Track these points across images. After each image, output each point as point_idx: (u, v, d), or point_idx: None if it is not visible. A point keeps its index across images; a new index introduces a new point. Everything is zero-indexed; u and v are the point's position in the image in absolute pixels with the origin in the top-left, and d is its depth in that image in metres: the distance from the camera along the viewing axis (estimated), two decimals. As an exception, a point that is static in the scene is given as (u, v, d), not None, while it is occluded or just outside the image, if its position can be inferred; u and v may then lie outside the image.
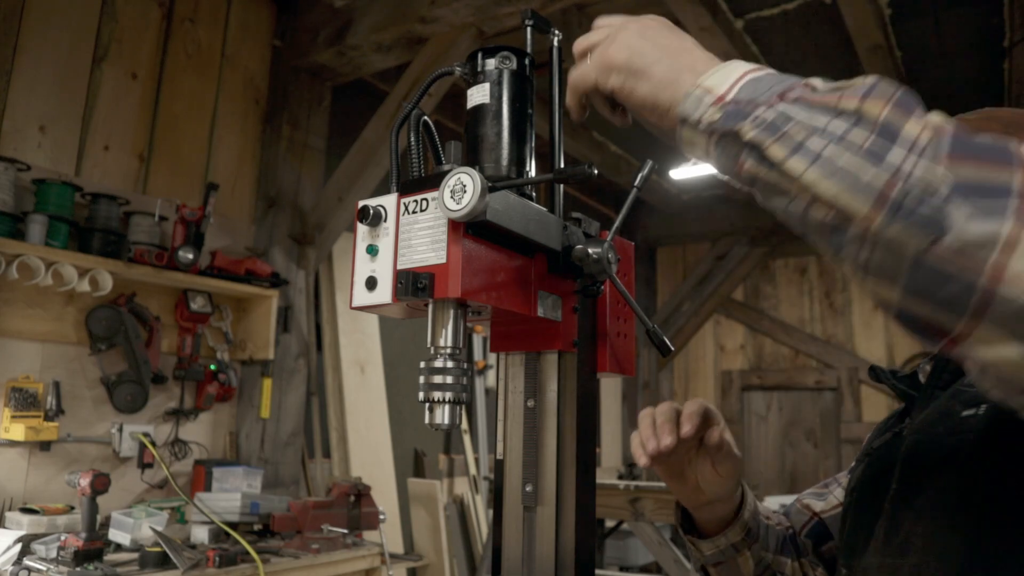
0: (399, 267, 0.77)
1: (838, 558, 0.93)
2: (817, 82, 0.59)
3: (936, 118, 0.52)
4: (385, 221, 0.79)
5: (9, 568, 2.13)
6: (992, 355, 0.49)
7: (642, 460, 0.89)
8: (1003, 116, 0.92)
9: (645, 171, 0.88)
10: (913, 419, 0.86)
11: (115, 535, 2.40)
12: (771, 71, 0.62)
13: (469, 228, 0.75)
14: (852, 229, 0.51)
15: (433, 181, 0.76)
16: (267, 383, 3.28)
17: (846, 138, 0.52)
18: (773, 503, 4.89)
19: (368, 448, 3.85)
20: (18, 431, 2.42)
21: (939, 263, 0.48)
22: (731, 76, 0.61)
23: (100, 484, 2.23)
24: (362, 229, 0.80)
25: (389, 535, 3.14)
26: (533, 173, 0.88)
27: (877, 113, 0.52)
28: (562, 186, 0.92)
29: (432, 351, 0.78)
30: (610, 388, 6.56)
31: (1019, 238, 0.46)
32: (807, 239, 0.58)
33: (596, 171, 0.78)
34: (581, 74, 0.77)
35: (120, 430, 2.77)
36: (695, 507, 0.97)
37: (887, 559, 0.76)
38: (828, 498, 1.08)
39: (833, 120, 0.53)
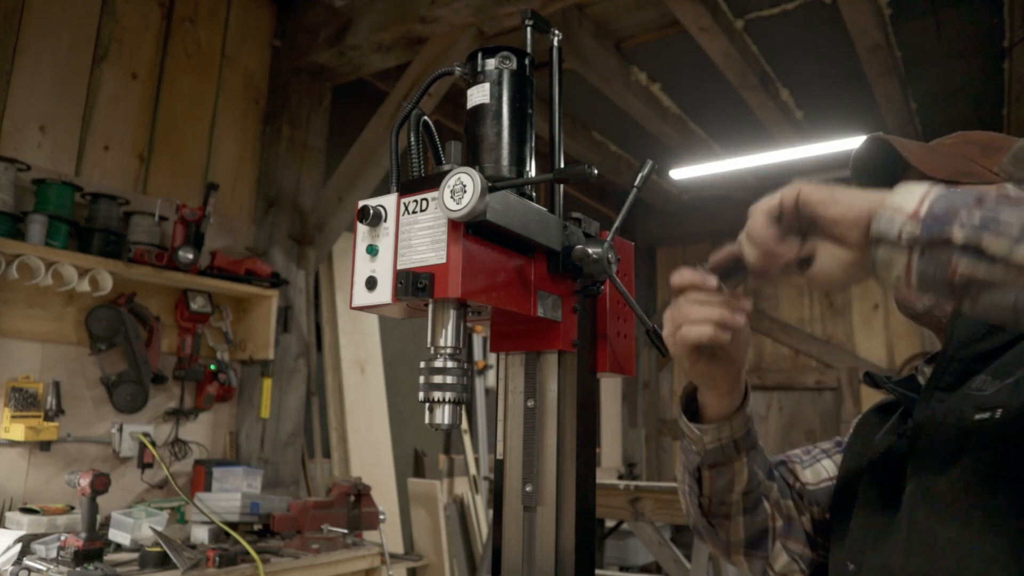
0: (399, 267, 0.77)
1: (834, 549, 0.94)
2: (1009, 187, 0.66)
3: None
4: (385, 221, 0.79)
5: (9, 568, 2.13)
6: None
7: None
8: (979, 139, 0.93)
9: (645, 171, 0.88)
10: (917, 420, 0.86)
11: (115, 535, 2.40)
12: (948, 187, 0.64)
13: (469, 228, 0.75)
14: None
15: (433, 181, 0.76)
16: (267, 383, 3.28)
17: None
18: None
19: (368, 448, 3.84)
20: (18, 431, 2.42)
21: None
22: (916, 194, 0.63)
23: (100, 484, 2.23)
24: (362, 229, 0.80)
25: (389, 535, 3.14)
26: (533, 173, 0.88)
27: None
28: (562, 186, 0.92)
29: (432, 351, 0.78)
30: (610, 388, 6.56)
31: None
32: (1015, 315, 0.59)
33: (596, 171, 0.78)
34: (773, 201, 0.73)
35: (120, 430, 2.77)
36: (711, 384, 0.91)
37: (913, 559, 0.77)
38: (817, 470, 1.08)
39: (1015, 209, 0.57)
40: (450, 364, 0.77)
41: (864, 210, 0.65)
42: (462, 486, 4.45)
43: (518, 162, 0.86)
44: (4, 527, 2.33)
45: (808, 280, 0.73)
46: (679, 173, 5.64)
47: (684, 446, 0.99)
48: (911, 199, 0.62)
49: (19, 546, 2.21)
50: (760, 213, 0.72)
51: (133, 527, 2.37)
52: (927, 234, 0.60)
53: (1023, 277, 0.56)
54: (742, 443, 0.96)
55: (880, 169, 0.99)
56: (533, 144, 0.89)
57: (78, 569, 2.08)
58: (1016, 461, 0.72)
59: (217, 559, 2.29)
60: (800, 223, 0.71)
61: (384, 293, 0.77)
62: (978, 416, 0.77)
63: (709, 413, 0.95)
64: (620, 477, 5.81)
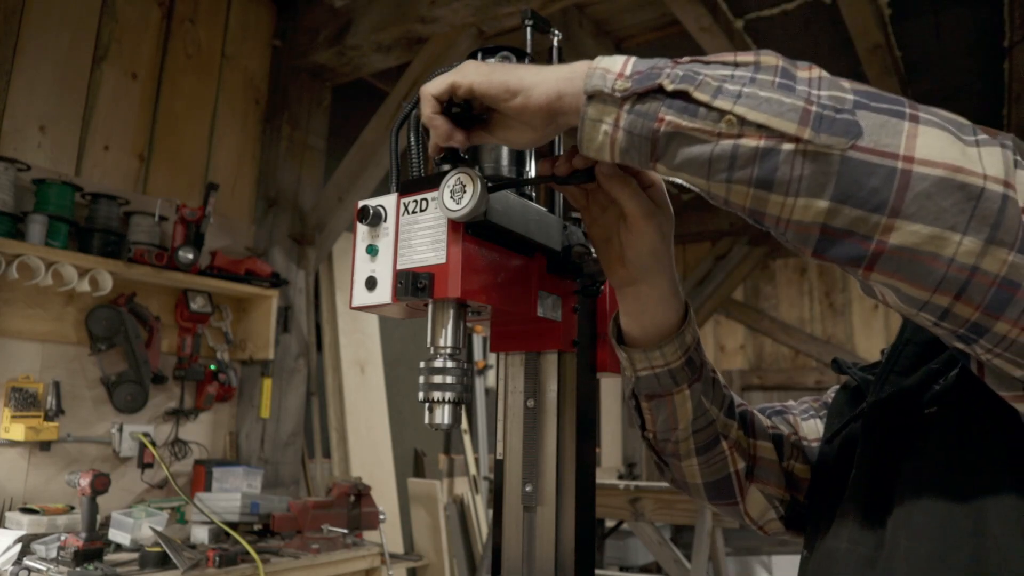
0: (399, 267, 0.77)
1: (807, 530, 0.92)
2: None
3: (816, 68, 0.60)
4: (385, 221, 0.79)
5: (9, 568, 2.13)
6: (906, 240, 0.55)
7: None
8: None
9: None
10: (869, 403, 0.85)
11: (115, 535, 2.40)
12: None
13: (469, 228, 0.75)
14: (785, 147, 0.56)
15: (433, 181, 0.76)
16: (267, 383, 3.28)
17: (756, 79, 0.59)
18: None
19: (368, 448, 3.85)
20: (18, 431, 2.42)
21: (862, 156, 0.55)
22: (618, 59, 0.64)
23: (100, 484, 2.23)
24: (362, 229, 0.80)
25: (389, 535, 3.14)
26: (533, 173, 0.88)
27: (774, 63, 0.60)
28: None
29: (432, 351, 0.78)
30: (610, 388, 6.56)
31: (918, 131, 0.55)
32: (727, 187, 0.60)
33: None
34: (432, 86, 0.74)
35: (120, 430, 2.77)
36: (624, 284, 0.82)
37: (855, 546, 0.76)
38: (811, 426, 1.02)
39: (737, 70, 0.60)
40: (450, 364, 0.77)
41: (544, 98, 0.67)
42: (462, 486, 4.46)
43: (518, 162, 0.86)
44: (4, 527, 2.33)
45: (502, 143, 0.75)
46: (679, 173, 5.63)
47: (621, 369, 0.90)
48: (615, 62, 0.64)
49: (19, 546, 2.21)
50: (429, 100, 0.73)
51: (133, 527, 2.37)
52: (638, 86, 0.61)
53: (722, 123, 0.58)
54: (680, 374, 0.84)
55: None
56: (533, 144, 0.89)
57: (78, 569, 2.08)
58: (958, 449, 0.72)
59: (217, 559, 2.30)
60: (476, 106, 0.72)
61: (384, 293, 0.77)
62: (927, 411, 0.77)
63: (632, 335, 0.85)
64: (620, 477, 5.82)
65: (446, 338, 0.77)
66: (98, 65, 2.89)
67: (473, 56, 0.89)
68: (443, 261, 0.74)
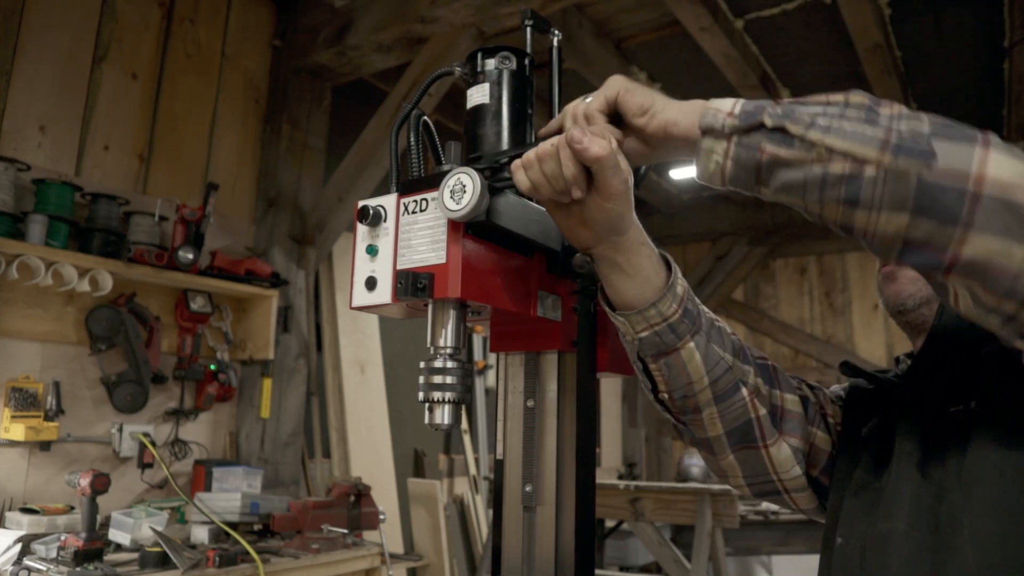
0: (399, 267, 0.77)
1: (827, 522, 0.93)
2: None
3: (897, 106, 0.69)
4: (385, 221, 0.79)
5: (9, 568, 2.13)
6: (977, 251, 0.62)
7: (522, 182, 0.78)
8: None
9: (644, 171, 0.88)
10: (900, 406, 0.89)
11: (115, 535, 2.40)
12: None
13: (469, 228, 0.75)
14: (867, 171, 0.65)
15: (433, 181, 0.76)
16: (267, 383, 3.28)
17: (844, 115, 0.68)
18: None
19: (368, 448, 3.85)
20: (18, 431, 2.41)
21: (937, 179, 0.63)
22: (727, 101, 0.75)
23: (100, 484, 2.23)
24: (362, 229, 0.80)
25: (389, 535, 3.14)
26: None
27: (860, 100, 0.70)
28: (562, 186, 0.91)
29: (432, 351, 0.78)
30: (610, 388, 6.56)
31: (988, 156, 0.63)
32: (821, 205, 0.70)
33: (596, 171, 0.77)
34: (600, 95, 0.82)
35: (120, 430, 2.77)
36: (592, 244, 0.81)
37: (913, 530, 0.79)
38: (835, 411, 1.03)
39: (828, 107, 0.70)
40: (450, 364, 0.77)
41: (664, 122, 0.77)
42: (462, 486, 4.45)
43: (518, 162, 0.86)
44: (4, 527, 2.33)
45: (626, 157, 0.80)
46: (679, 173, 5.64)
47: (620, 336, 0.89)
48: (725, 103, 0.74)
49: (19, 546, 2.21)
50: (596, 115, 0.80)
51: (133, 527, 2.37)
52: (743, 123, 0.72)
53: (814, 152, 0.67)
54: (680, 326, 0.85)
55: None
56: (534, 144, 0.89)
57: (78, 569, 2.08)
58: (993, 451, 0.76)
59: (217, 559, 2.29)
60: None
61: (384, 293, 0.77)
62: (953, 408, 0.82)
63: (626, 298, 0.84)
64: (620, 477, 5.81)
65: (446, 338, 0.77)
66: (98, 65, 2.89)
67: (473, 56, 0.89)
68: (443, 261, 0.74)
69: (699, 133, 0.74)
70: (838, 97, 0.71)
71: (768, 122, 0.70)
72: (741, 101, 0.74)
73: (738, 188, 0.75)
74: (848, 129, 0.67)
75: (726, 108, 0.73)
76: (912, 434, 0.85)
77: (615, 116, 0.80)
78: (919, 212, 0.64)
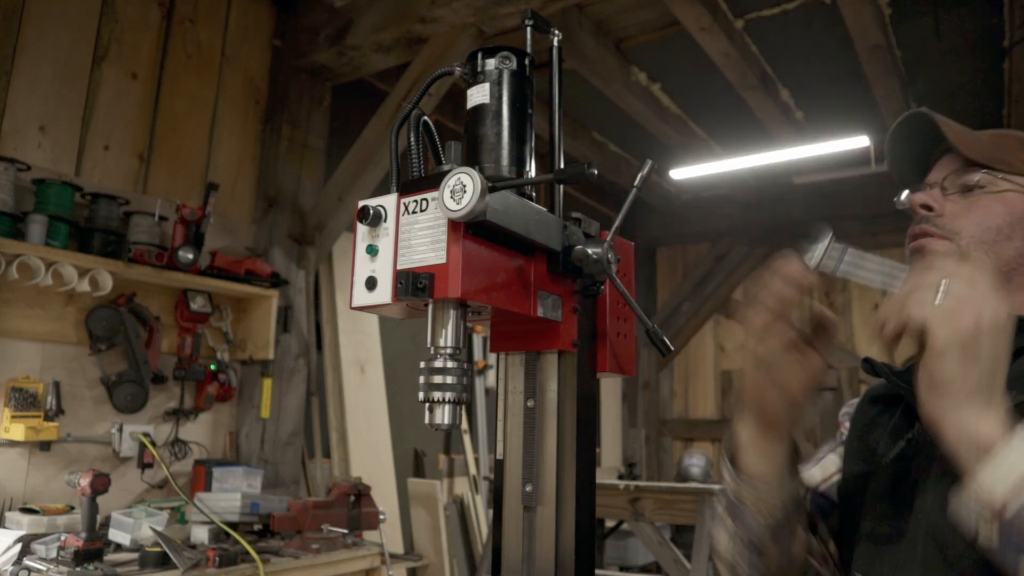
0: (399, 267, 0.77)
1: (842, 553, 0.90)
2: None
3: None
4: (385, 221, 0.79)
5: (9, 568, 2.13)
6: None
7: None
8: (1018, 135, 0.93)
9: (645, 171, 0.88)
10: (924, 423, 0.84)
11: (115, 535, 2.40)
12: None
13: (469, 228, 0.75)
14: None
15: (433, 181, 0.76)
16: (267, 383, 3.28)
17: None
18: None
19: (368, 448, 3.84)
20: (18, 431, 2.42)
21: None
22: (1007, 482, 0.60)
23: (100, 484, 2.23)
24: (362, 229, 0.80)
25: (389, 535, 3.14)
26: (533, 173, 0.88)
27: None
28: (562, 186, 0.92)
29: (432, 351, 0.78)
30: (610, 388, 6.56)
31: None
32: None
33: (596, 171, 0.78)
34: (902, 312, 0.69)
35: (120, 430, 2.77)
36: (766, 409, 0.80)
37: (926, 570, 0.75)
38: (825, 466, 1.01)
39: None
40: (450, 364, 0.77)
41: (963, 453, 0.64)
42: (462, 486, 4.45)
43: (518, 162, 0.86)
44: (4, 527, 2.33)
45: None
46: (679, 173, 5.63)
47: (735, 511, 0.84)
48: (1000, 486, 0.60)
49: (19, 546, 2.21)
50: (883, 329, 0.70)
51: (133, 527, 2.37)
52: (1002, 554, 0.60)
53: None
54: (798, 508, 0.84)
55: (918, 143, 0.98)
56: (533, 144, 0.89)
57: (78, 569, 2.08)
58: None
59: (217, 559, 2.29)
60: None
61: (384, 293, 0.77)
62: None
63: (762, 467, 0.82)
64: (620, 477, 5.81)
65: (446, 338, 0.77)
66: (98, 65, 2.89)
67: (473, 56, 0.89)
68: (443, 261, 0.74)
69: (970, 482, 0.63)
70: None
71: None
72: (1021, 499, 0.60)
73: None
74: None
75: (995, 499, 0.60)
76: (934, 458, 0.79)
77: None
78: None
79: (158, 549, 2.26)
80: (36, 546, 2.22)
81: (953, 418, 0.64)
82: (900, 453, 0.87)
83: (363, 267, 0.79)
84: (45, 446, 2.57)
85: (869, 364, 0.95)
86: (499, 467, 0.89)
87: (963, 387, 0.64)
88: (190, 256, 2.81)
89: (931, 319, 0.65)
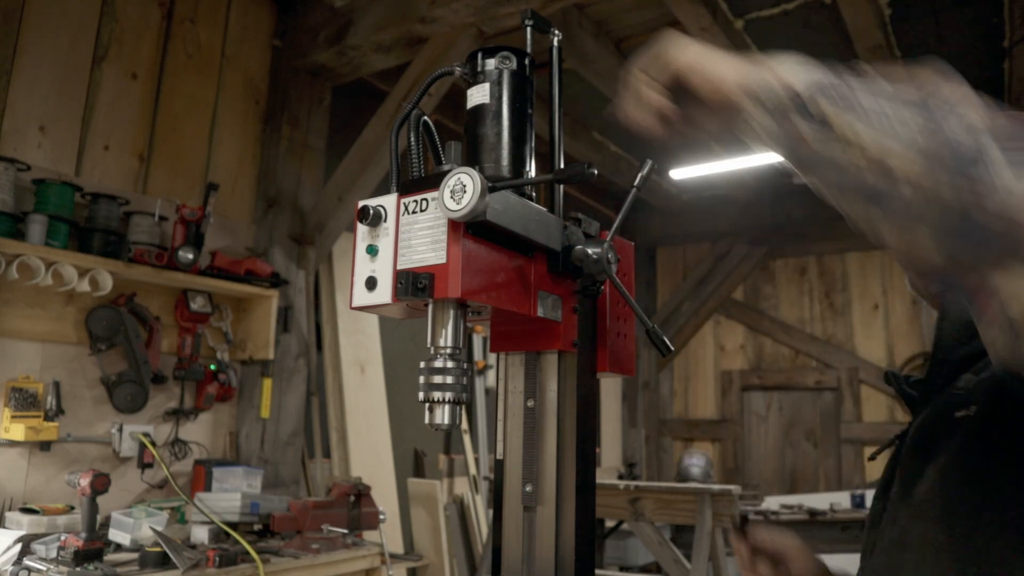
0: (399, 267, 0.77)
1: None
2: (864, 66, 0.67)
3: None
4: (385, 221, 0.79)
5: (9, 568, 2.13)
6: (1010, 289, 0.54)
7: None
8: None
9: (645, 171, 0.88)
10: (914, 423, 0.87)
11: (115, 535, 2.40)
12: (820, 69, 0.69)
13: (469, 228, 0.75)
14: (904, 191, 0.57)
15: (433, 181, 0.76)
16: (267, 383, 3.28)
17: (896, 113, 0.59)
18: (773, 503, 4.89)
19: (368, 448, 3.84)
20: (18, 431, 2.42)
21: (983, 217, 0.53)
22: (791, 64, 0.68)
23: (100, 484, 2.23)
24: (362, 229, 0.80)
25: (389, 535, 3.14)
26: (533, 173, 0.88)
27: (922, 96, 0.61)
28: (562, 186, 0.92)
29: (432, 351, 0.78)
30: (610, 388, 6.56)
31: None
32: (852, 211, 0.62)
33: (596, 171, 0.78)
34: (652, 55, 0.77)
35: (120, 430, 2.77)
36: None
37: (891, 558, 0.78)
38: None
39: (885, 101, 0.61)
40: (450, 364, 0.77)
41: (729, 90, 0.70)
42: (462, 486, 4.46)
43: (518, 162, 0.86)
44: (4, 527, 2.33)
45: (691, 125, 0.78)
46: (679, 173, 5.64)
47: None
48: (788, 68, 0.68)
49: (19, 546, 2.21)
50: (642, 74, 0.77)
51: (133, 527, 2.37)
52: (791, 101, 0.65)
53: (849, 154, 0.60)
54: None
55: None
56: (533, 144, 0.89)
57: (78, 569, 2.08)
58: (985, 456, 0.73)
59: (217, 559, 2.29)
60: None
61: (384, 293, 0.77)
62: (958, 414, 0.78)
63: None
64: (620, 477, 5.81)
65: (446, 338, 0.77)
66: (98, 65, 2.89)
67: (473, 56, 0.89)
68: (443, 261, 0.74)
69: (743, 96, 0.69)
70: (906, 88, 0.62)
71: (810, 106, 0.63)
72: (802, 69, 0.67)
73: (778, 152, 0.69)
74: (889, 144, 0.58)
75: (778, 83, 0.66)
76: (914, 452, 0.83)
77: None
78: (950, 246, 0.56)
79: (158, 549, 2.26)
80: (36, 546, 2.22)
81: (729, 72, 0.71)
82: (895, 453, 0.91)
83: (363, 267, 0.79)
84: (45, 446, 2.57)
85: (889, 376, 0.99)
86: (499, 467, 0.89)
87: (718, 56, 0.73)
88: (190, 256, 2.82)
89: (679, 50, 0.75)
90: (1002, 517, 0.69)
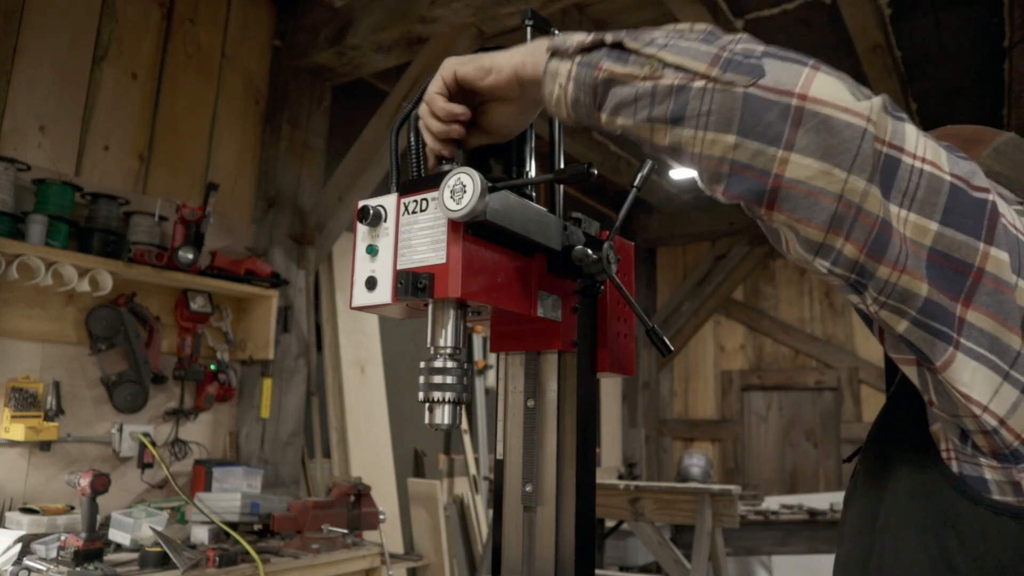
0: (399, 267, 0.77)
1: None
2: None
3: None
4: (385, 221, 0.79)
5: (9, 568, 2.13)
6: (799, 173, 0.60)
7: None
8: (963, 132, 0.96)
9: (645, 171, 0.88)
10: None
11: (115, 535, 2.40)
12: None
13: (469, 228, 0.75)
14: (696, 83, 0.64)
15: (433, 181, 0.76)
16: (267, 383, 3.28)
17: (684, 36, 0.69)
18: (773, 503, 4.89)
19: (368, 448, 3.84)
20: (18, 431, 2.41)
21: (762, 93, 0.61)
22: (582, 33, 0.75)
23: (100, 484, 2.23)
24: (362, 229, 0.80)
25: (389, 535, 3.14)
26: (533, 173, 0.88)
27: (703, 27, 0.70)
28: (562, 186, 0.92)
29: (432, 351, 0.78)
30: (610, 388, 6.56)
31: (815, 76, 0.62)
32: (651, 127, 0.68)
33: (596, 171, 0.78)
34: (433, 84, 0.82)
35: (120, 430, 2.77)
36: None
37: (851, 544, 0.87)
38: None
39: (671, 32, 0.70)
40: (450, 364, 0.77)
41: (512, 71, 0.77)
42: (462, 486, 4.45)
43: (518, 162, 0.87)
44: (4, 527, 2.33)
45: (489, 131, 0.84)
46: (679, 173, 5.64)
47: None
48: (579, 34, 0.74)
49: (19, 546, 2.21)
50: (435, 97, 0.81)
51: (133, 527, 2.37)
52: (588, 42, 0.72)
53: (647, 66, 0.67)
54: None
55: None
56: (533, 144, 0.89)
57: (78, 569, 2.08)
58: (876, 444, 0.84)
59: (217, 559, 2.29)
60: (464, 95, 0.82)
61: (384, 293, 0.77)
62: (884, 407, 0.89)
63: None
64: (620, 477, 5.81)
65: (446, 338, 0.77)
66: (98, 65, 2.89)
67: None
68: (443, 261, 0.74)
69: (547, 60, 0.74)
70: (683, 25, 0.71)
71: (608, 39, 0.70)
72: (589, 35, 0.73)
73: (581, 118, 0.74)
74: (683, 45, 0.66)
75: (579, 36, 0.73)
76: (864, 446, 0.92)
77: (466, 93, 0.81)
78: (744, 131, 0.62)
79: (158, 549, 2.26)
80: (36, 546, 2.22)
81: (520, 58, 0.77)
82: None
83: (363, 267, 0.79)
84: (45, 446, 2.57)
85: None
86: (499, 467, 0.89)
87: (501, 64, 0.78)
88: (190, 256, 2.81)
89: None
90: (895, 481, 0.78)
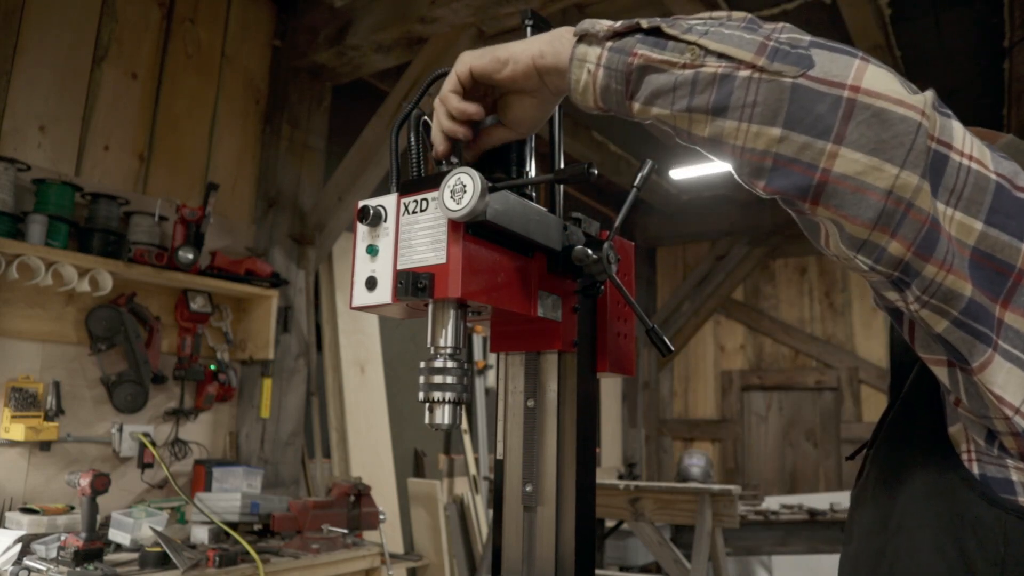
0: (399, 267, 0.77)
1: None
2: None
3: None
4: (385, 221, 0.79)
5: (9, 568, 2.13)
6: (849, 168, 0.58)
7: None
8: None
9: (645, 171, 0.88)
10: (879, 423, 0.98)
11: (115, 535, 2.40)
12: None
13: (469, 228, 0.75)
14: (741, 73, 0.61)
15: (433, 181, 0.76)
16: (267, 383, 3.28)
17: (724, 23, 0.65)
18: (773, 503, 4.89)
19: (368, 448, 3.84)
20: (18, 431, 2.41)
21: (811, 84, 0.59)
22: (601, 20, 0.72)
23: (100, 484, 2.23)
24: (362, 229, 0.80)
25: (389, 535, 3.14)
26: (533, 173, 0.88)
27: (743, 15, 0.67)
28: (562, 186, 0.92)
29: (432, 351, 0.78)
30: (610, 388, 6.56)
31: (867, 67, 0.60)
32: (689, 117, 0.65)
33: (596, 171, 0.78)
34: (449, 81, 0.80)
35: (120, 430, 2.77)
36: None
37: (863, 542, 0.86)
38: None
39: (710, 19, 0.67)
40: (450, 364, 0.77)
41: (530, 60, 0.74)
42: (462, 486, 4.45)
43: (518, 162, 0.86)
44: (4, 527, 2.33)
45: (511, 126, 0.81)
46: (679, 173, 5.64)
47: None
48: (605, 20, 0.71)
49: (19, 546, 2.21)
50: (449, 96, 0.78)
51: (133, 527, 2.37)
52: (620, 27, 0.69)
53: (688, 53, 0.64)
54: None
55: None
56: (533, 144, 0.89)
57: (78, 569, 2.08)
58: (888, 444, 0.83)
59: (217, 559, 2.29)
60: (482, 89, 0.79)
61: (384, 293, 0.77)
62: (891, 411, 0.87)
63: None
64: (620, 477, 5.81)
65: (446, 338, 0.77)
66: (98, 65, 2.89)
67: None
68: (443, 261, 0.74)
69: (573, 44, 0.71)
70: (720, 13, 0.68)
71: (644, 24, 0.67)
72: (618, 22, 0.71)
73: (610, 106, 0.71)
74: (726, 33, 0.63)
75: (607, 22, 0.70)
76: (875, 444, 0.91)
77: (483, 88, 0.79)
78: (791, 124, 0.59)
79: (158, 549, 2.26)
80: (36, 546, 2.22)
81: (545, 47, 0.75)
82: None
83: (363, 267, 0.79)
84: (45, 446, 2.57)
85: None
86: (499, 467, 0.89)
87: (518, 55, 0.76)
88: (190, 256, 2.81)
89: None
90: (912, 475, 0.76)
